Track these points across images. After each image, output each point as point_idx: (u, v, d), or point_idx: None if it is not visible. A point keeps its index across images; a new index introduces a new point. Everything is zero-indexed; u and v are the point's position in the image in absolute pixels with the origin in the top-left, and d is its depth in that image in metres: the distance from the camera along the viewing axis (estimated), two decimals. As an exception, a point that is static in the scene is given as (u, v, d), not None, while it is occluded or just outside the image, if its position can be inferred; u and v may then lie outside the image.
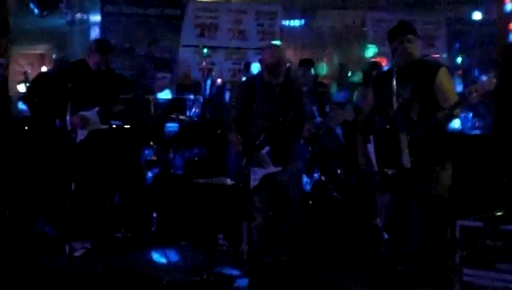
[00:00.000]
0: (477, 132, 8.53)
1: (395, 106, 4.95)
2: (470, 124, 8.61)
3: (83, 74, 6.44)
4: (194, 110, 9.01)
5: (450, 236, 4.91)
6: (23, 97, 8.35)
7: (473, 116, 8.64)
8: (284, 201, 5.79)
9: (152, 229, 6.97)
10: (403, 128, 4.88)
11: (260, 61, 5.92)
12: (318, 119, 6.83)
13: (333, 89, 8.16)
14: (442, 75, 4.97)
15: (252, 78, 6.23)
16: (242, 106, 5.79)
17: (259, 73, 5.97)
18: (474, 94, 4.59)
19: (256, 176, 5.62)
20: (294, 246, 5.91)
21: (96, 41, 7.00)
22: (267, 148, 5.69)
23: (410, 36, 5.05)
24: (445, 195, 4.98)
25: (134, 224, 6.97)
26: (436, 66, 5.07)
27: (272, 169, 5.71)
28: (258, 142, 5.71)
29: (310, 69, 8.22)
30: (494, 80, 4.57)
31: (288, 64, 6.24)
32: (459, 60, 10.86)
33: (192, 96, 9.33)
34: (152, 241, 6.78)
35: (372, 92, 5.34)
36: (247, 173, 5.58)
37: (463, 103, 4.76)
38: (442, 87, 4.92)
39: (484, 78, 4.61)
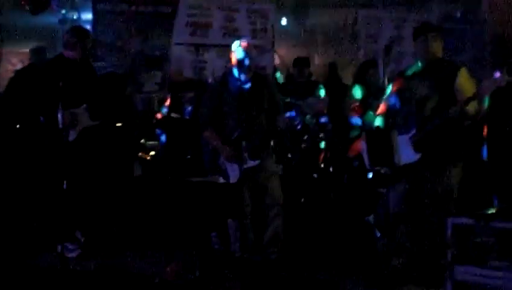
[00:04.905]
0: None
1: (413, 102, 5.02)
2: None
3: (64, 70, 6.14)
4: (186, 108, 8.99)
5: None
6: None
7: None
8: (265, 197, 5.81)
9: (144, 228, 6.96)
10: (414, 125, 4.93)
11: (230, 58, 5.95)
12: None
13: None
14: (463, 75, 5.04)
15: (224, 76, 6.23)
16: (215, 103, 5.90)
17: (230, 70, 5.99)
18: (485, 90, 4.64)
19: (234, 172, 5.68)
20: (284, 245, 5.91)
21: (70, 30, 6.62)
22: (243, 144, 5.71)
23: (433, 34, 5.10)
24: (453, 193, 5.04)
25: (126, 223, 6.95)
26: (457, 65, 5.12)
27: (250, 163, 5.74)
28: (233, 137, 5.75)
29: (304, 67, 8.25)
30: (506, 76, 4.60)
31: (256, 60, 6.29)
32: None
33: (185, 94, 9.31)
34: (144, 240, 6.77)
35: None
36: (225, 170, 5.64)
37: (474, 98, 4.80)
38: (462, 87, 4.99)
39: (497, 74, 4.63)
